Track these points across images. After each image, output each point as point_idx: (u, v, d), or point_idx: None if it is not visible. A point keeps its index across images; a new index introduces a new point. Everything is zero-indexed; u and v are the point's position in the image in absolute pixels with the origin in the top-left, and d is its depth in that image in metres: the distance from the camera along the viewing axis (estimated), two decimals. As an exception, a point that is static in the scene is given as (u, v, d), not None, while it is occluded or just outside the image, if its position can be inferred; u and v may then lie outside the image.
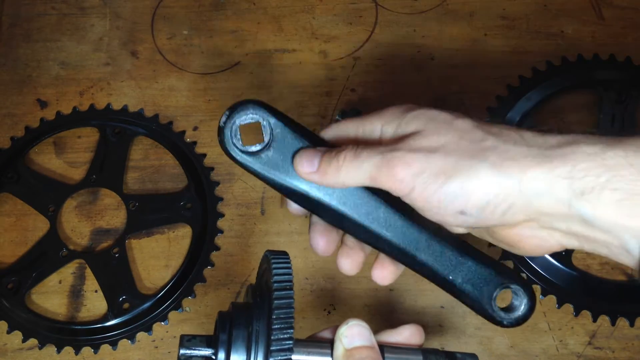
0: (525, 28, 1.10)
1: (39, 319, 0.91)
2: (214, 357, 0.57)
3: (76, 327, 0.91)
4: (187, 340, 0.58)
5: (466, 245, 0.63)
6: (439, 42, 1.10)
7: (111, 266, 0.94)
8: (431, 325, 0.90)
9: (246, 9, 1.13)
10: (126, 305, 0.92)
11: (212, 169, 1.00)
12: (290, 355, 0.53)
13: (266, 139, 0.60)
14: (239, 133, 0.59)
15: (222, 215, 0.97)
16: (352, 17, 1.12)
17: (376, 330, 0.62)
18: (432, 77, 1.07)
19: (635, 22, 1.10)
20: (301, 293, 0.92)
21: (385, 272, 0.64)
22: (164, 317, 0.91)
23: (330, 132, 0.64)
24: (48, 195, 0.99)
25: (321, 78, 1.07)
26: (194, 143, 1.02)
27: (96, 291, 0.93)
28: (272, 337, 0.53)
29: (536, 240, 0.55)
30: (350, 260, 0.64)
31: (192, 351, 0.58)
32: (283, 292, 0.55)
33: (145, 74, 1.09)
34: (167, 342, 0.91)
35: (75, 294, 0.94)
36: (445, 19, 1.11)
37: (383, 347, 0.60)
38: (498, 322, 0.62)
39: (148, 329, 0.90)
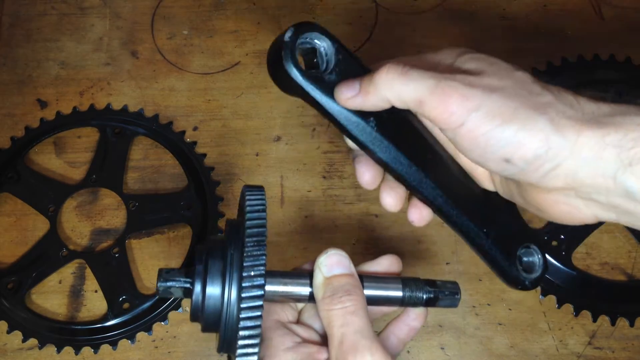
0: (525, 28, 1.10)
1: (39, 319, 0.91)
2: (192, 287, 0.56)
3: (76, 327, 0.91)
4: (165, 272, 0.57)
5: (498, 197, 0.61)
6: (439, 42, 1.10)
7: (111, 266, 0.94)
8: (431, 325, 0.90)
9: (246, 9, 1.13)
10: (126, 305, 0.92)
11: (212, 169, 1.00)
12: (262, 290, 0.53)
13: (324, 65, 0.56)
14: (297, 54, 0.54)
15: (223, 215, 0.97)
16: (352, 17, 1.12)
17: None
18: (432, 77, 1.07)
19: (635, 22, 1.10)
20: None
21: (424, 212, 0.62)
22: (164, 317, 0.91)
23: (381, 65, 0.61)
24: (48, 195, 0.99)
25: (321, 78, 1.07)
26: (194, 143, 1.02)
27: (96, 291, 0.93)
28: (244, 263, 0.53)
29: (569, 209, 0.53)
30: (394, 194, 0.62)
31: (170, 283, 0.56)
32: (255, 222, 0.55)
33: (145, 74, 1.09)
34: (167, 342, 0.91)
35: (75, 294, 0.94)
36: (445, 19, 1.11)
37: (362, 277, 0.61)
38: (520, 282, 0.60)
39: (148, 329, 0.90)
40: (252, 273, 0.53)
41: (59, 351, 0.89)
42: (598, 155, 0.49)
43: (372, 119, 0.56)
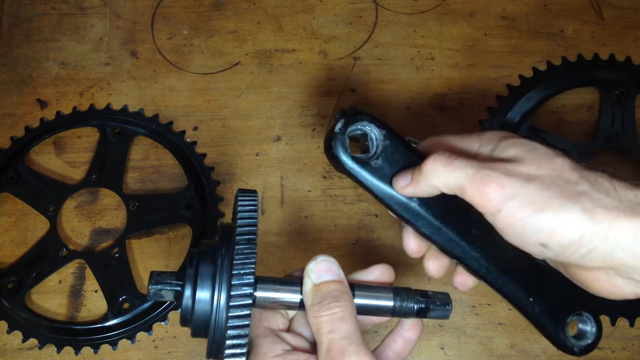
0: (525, 28, 1.10)
1: (39, 319, 0.91)
2: (182, 291, 0.56)
3: (76, 327, 0.91)
4: (157, 275, 0.57)
5: (547, 267, 0.63)
6: (439, 42, 1.10)
7: (111, 266, 0.94)
8: (431, 325, 0.90)
9: (246, 9, 1.13)
10: (126, 305, 0.92)
11: (212, 168, 1.00)
12: (251, 288, 0.54)
13: (373, 149, 0.61)
14: (348, 141, 0.60)
15: (223, 215, 0.97)
16: (352, 17, 1.12)
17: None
18: (432, 77, 1.07)
19: (635, 22, 1.10)
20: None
21: (468, 280, 0.65)
22: (164, 317, 0.91)
23: (427, 144, 0.65)
24: (48, 195, 0.99)
25: (321, 78, 1.07)
26: (194, 143, 1.02)
27: (96, 291, 0.93)
28: (234, 262, 0.54)
29: (610, 286, 0.55)
30: (438, 263, 0.66)
31: (161, 286, 0.57)
32: (246, 229, 0.56)
33: (145, 74, 1.09)
34: (167, 342, 0.91)
35: (75, 294, 0.94)
36: (445, 19, 1.11)
37: (353, 285, 0.61)
38: (569, 349, 0.62)
39: (148, 329, 0.90)
40: (242, 271, 0.54)
41: (59, 351, 0.89)
42: (635, 241, 0.51)
43: (414, 198, 0.60)
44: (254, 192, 0.60)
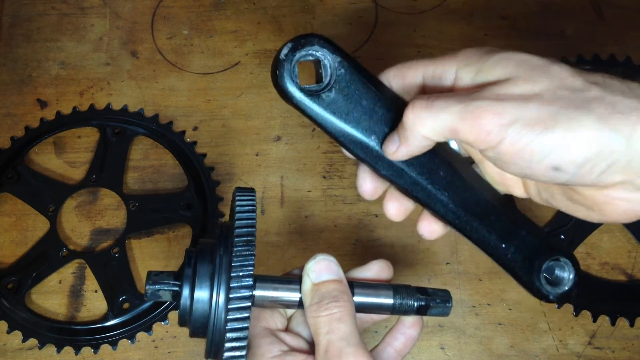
0: (525, 28, 1.10)
1: (39, 319, 0.91)
2: (180, 291, 0.56)
3: (76, 327, 0.91)
4: (154, 275, 0.56)
5: (519, 214, 0.60)
6: (439, 42, 1.10)
7: (111, 266, 0.94)
8: (431, 325, 0.90)
9: (246, 9, 1.13)
10: (126, 305, 0.92)
11: (212, 168, 1.00)
12: (250, 290, 0.53)
13: (327, 79, 0.53)
14: (297, 69, 0.52)
15: (223, 215, 0.97)
16: (352, 17, 1.12)
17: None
18: (432, 77, 1.07)
19: (635, 22, 1.10)
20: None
21: (435, 226, 0.59)
22: (164, 317, 0.91)
23: (392, 74, 0.57)
24: (48, 195, 0.99)
25: (321, 78, 1.07)
26: (194, 143, 1.02)
27: (96, 291, 0.93)
28: (232, 273, 0.53)
29: (626, 205, 0.49)
30: (398, 204, 0.59)
31: (159, 286, 0.56)
32: (244, 230, 0.55)
33: (145, 74, 1.09)
34: (167, 342, 0.91)
35: (75, 294, 0.94)
36: (445, 19, 1.11)
37: (353, 283, 0.60)
38: (543, 296, 0.58)
39: (148, 329, 0.90)
40: (241, 273, 0.53)
41: (59, 351, 0.89)
42: None
43: (373, 137, 0.54)
44: (252, 190, 0.59)
